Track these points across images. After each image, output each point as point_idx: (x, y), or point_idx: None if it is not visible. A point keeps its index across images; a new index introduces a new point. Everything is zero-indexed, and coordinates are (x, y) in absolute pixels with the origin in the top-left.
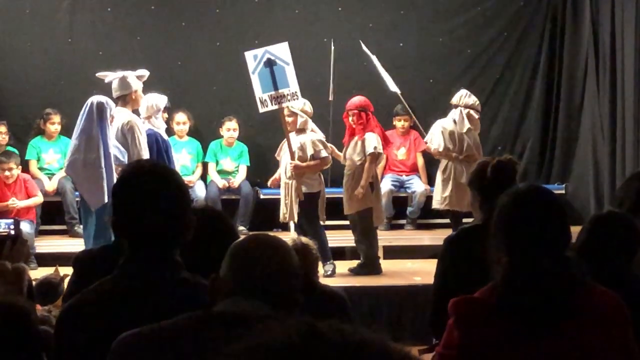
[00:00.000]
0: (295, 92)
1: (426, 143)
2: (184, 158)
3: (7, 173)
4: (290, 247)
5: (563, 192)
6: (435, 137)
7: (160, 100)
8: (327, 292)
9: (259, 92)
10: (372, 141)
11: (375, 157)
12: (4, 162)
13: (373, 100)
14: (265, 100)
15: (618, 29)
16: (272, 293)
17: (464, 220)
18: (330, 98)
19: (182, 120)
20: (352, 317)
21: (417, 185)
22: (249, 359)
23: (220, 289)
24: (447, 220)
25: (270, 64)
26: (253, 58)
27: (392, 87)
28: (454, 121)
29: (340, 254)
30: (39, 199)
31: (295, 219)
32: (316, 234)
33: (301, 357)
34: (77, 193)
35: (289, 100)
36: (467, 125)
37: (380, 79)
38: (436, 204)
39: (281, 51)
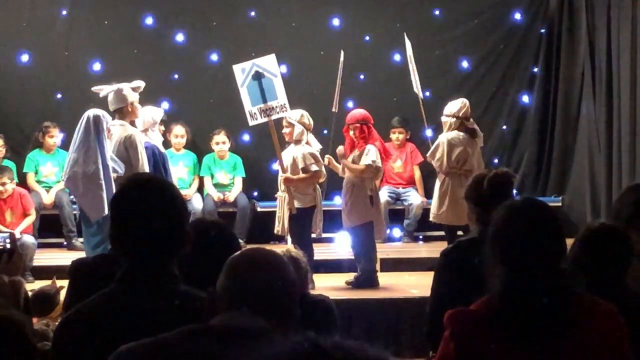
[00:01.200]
0: (284, 104)
1: (425, 158)
2: (180, 171)
3: (0, 188)
4: (286, 262)
5: (560, 204)
6: (439, 152)
7: (156, 113)
8: (314, 300)
9: (248, 105)
10: (372, 154)
11: (371, 168)
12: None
13: (370, 113)
14: (254, 113)
15: (614, 42)
16: (269, 307)
17: (459, 232)
18: (334, 109)
19: (180, 133)
20: (338, 324)
21: (413, 198)
22: None
23: (218, 303)
24: (444, 233)
25: (258, 76)
26: (241, 71)
27: (417, 89)
28: (461, 135)
29: (337, 267)
30: (31, 218)
31: (287, 233)
32: (303, 250)
33: None
34: (75, 206)
35: (277, 113)
36: (478, 138)
37: (408, 78)
38: (432, 218)
39: (269, 63)
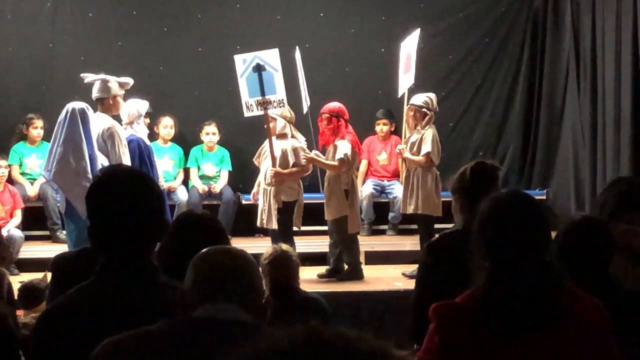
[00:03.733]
0: (282, 99)
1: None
2: (166, 164)
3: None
4: (249, 256)
5: (544, 197)
6: (435, 146)
7: (141, 105)
8: (308, 298)
9: (245, 96)
10: (343, 148)
11: (344, 162)
12: None
13: (355, 106)
14: (251, 104)
15: (599, 34)
16: (243, 299)
17: (437, 225)
18: (305, 110)
19: (169, 124)
20: (331, 323)
21: (398, 191)
22: None
23: (187, 298)
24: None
25: (259, 69)
26: (242, 62)
27: (403, 88)
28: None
29: (321, 259)
30: (17, 219)
31: (274, 226)
32: (287, 242)
33: None
34: (58, 198)
35: (274, 107)
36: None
37: (395, 70)
38: (437, 213)
39: (271, 57)
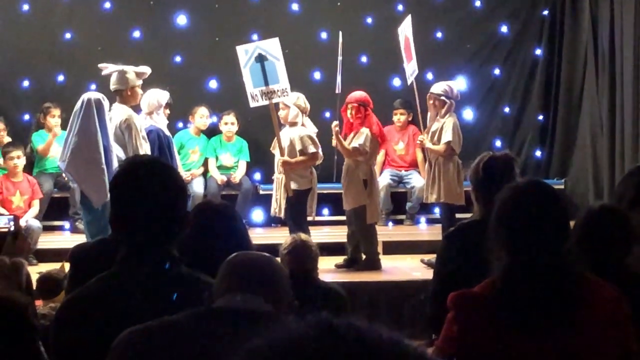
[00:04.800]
0: (285, 88)
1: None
2: (195, 154)
3: (15, 162)
4: (275, 259)
5: (562, 187)
6: (454, 135)
7: (162, 96)
8: (327, 289)
9: (249, 87)
10: (362, 137)
11: (357, 151)
12: (10, 151)
13: (372, 95)
14: (256, 95)
15: (617, 22)
16: (266, 290)
17: (459, 215)
18: (337, 91)
19: (205, 114)
20: (350, 313)
21: (416, 180)
22: (269, 353)
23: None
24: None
25: (261, 59)
26: (244, 52)
27: (410, 77)
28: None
29: (338, 249)
30: (35, 209)
31: (283, 215)
32: (299, 231)
33: (318, 354)
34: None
35: (279, 97)
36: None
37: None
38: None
39: (272, 47)
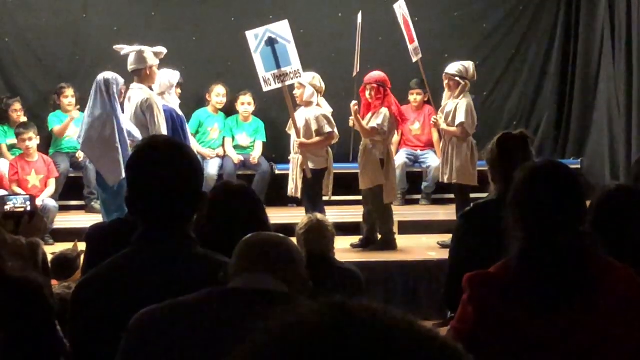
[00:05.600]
0: (298, 70)
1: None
2: (214, 132)
3: (27, 143)
4: (289, 239)
5: (579, 167)
6: (471, 115)
7: (173, 76)
8: (343, 269)
9: (261, 71)
10: (380, 118)
11: (375, 131)
12: (23, 132)
13: (390, 74)
14: (268, 79)
15: (634, 2)
16: (283, 270)
17: (473, 195)
18: (355, 73)
19: (222, 93)
20: (365, 293)
21: (432, 160)
22: (282, 335)
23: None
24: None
25: (271, 42)
26: (254, 37)
27: (417, 56)
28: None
29: (354, 229)
30: (52, 188)
31: (299, 195)
32: (314, 211)
33: (332, 336)
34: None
35: (292, 79)
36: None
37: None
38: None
39: (282, 29)
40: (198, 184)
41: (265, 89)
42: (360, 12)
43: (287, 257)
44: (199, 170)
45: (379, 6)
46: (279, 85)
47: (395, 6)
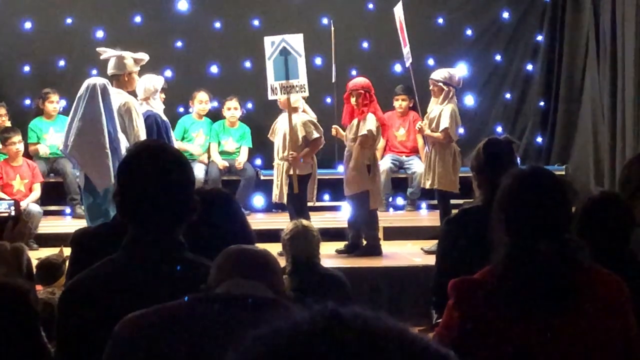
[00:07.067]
0: (304, 84)
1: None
2: (200, 138)
3: (13, 147)
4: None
5: (563, 173)
6: (451, 122)
7: (157, 81)
8: (328, 274)
9: (271, 79)
10: (370, 123)
11: (367, 139)
12: (8, 137)
13: (373, 81)
14: (275, 88)
15: (619, 8)
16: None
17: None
18: (334, 80)
19: (204, 99)
20: (351, 299)
21: (417, 166)
22: (274, 342)
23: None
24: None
25: (285, 52)
26: (271, 44)
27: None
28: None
29: (339, 235)
30: (37, 193)
31: (285, 200)
32: (300, 216)
33: (323, 343)
34: (77, 173)
35: (296, 92)
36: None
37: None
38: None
39: (296, 42)
40: (189, 190)
41: (271, 97)
42: (332, 20)
43: (269, 267)
44: (191, 176)
45: (365, 12)
46: (284, 96)
47: (395, 9)
